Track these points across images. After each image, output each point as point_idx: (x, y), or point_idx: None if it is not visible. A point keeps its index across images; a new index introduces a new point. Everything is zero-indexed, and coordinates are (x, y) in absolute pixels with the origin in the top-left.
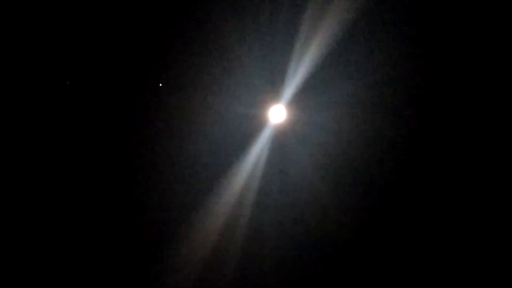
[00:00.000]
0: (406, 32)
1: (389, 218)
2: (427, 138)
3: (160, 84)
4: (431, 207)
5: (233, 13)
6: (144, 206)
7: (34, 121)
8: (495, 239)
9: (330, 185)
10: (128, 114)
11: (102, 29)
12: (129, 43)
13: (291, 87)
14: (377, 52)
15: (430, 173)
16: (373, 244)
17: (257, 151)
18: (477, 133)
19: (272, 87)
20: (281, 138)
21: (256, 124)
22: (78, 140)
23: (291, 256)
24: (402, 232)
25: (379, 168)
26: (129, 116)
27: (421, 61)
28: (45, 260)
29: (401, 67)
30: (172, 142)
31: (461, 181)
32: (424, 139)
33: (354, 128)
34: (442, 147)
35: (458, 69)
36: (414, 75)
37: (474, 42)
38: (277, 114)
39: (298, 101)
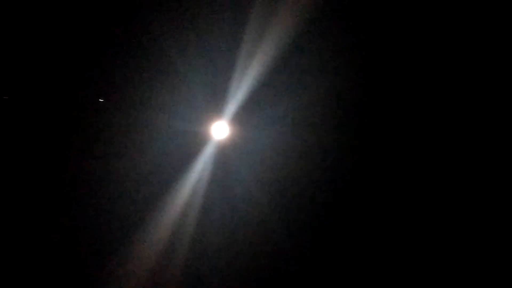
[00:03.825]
0: (346, 47)
1: (326, 226)
2: (365, 154)
3: (100, 100)
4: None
5: (174, 26)
6: (86, 222)
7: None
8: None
9: (271, 198)
10: (69, 129)
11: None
12: (71, 58)
13: (233, 103)
14: (317, 69)
15: (366, 188)
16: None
17: (200, 167)
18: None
19: (214, 103)
20: (224, 154)
21: (198, 141)
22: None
23: (234, 267)
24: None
25: (316, 181)
26: (71, 132)
27: (362, 75)
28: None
29: (341, 84)
30: (115, 159)
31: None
32: (362, 155)
33: (294, 144)
34: (379, 161)
35: (399, 81)
36: (354, 91)
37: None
38: (220, 130)
39: (241, 117)
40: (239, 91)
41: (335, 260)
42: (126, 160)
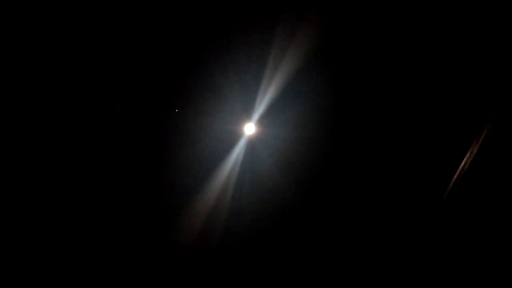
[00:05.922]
0: (354, 66)
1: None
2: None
3: (176, 110)
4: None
5: (224, 58)
6: (156, 194)
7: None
8: None
9: (290, 184)
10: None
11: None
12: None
13: (260, 109)
14: (329, 79)
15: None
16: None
17: (234, 158)
18: None
19: (245, 109)
20: (253, 148)
21: (233, 137)
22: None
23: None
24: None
25: (326, 170)
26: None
27: (375, 86)
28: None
29: (348, 93)
30: (174, 151)
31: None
32: (367, 150)
33: (308, 140)
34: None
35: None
36: (360, 99)
37: None
38: (250, 129)
39: (265, 120)
40: (264, 100)
41: (342, 236)
42: (178, 151)
